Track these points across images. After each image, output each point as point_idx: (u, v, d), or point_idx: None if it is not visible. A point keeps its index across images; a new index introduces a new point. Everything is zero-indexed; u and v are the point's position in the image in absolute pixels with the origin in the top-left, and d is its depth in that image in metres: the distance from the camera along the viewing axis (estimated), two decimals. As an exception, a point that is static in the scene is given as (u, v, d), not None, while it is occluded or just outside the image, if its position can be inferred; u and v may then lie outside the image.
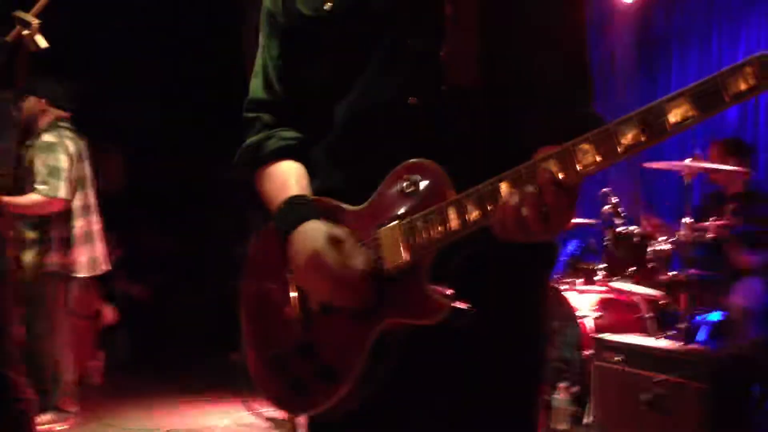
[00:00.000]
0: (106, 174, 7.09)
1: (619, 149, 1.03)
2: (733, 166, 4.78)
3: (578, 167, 1.06)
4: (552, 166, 1.08)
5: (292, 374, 1.36)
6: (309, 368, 1.33)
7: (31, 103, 4.30)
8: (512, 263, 1.30)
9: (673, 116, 0.99)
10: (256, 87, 1.53)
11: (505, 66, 1.32)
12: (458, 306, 1.18)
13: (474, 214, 1.15)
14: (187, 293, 7.49)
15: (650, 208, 4.96)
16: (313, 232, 1.28)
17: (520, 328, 1.38)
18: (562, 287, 4.65)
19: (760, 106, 5.54)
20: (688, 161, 4.10)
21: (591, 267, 4.76)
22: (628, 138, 1.02)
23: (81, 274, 4.30)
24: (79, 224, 4.31)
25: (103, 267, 4.45)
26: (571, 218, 1.14)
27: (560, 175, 1.07)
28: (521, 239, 1.12)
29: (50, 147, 4.19)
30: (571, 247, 5.41)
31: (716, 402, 3.26)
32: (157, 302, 7.28)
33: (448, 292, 1.19)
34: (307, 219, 1.31)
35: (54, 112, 4.35)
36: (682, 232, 4.12)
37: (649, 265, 4.33)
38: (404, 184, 1.25)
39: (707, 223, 4.24)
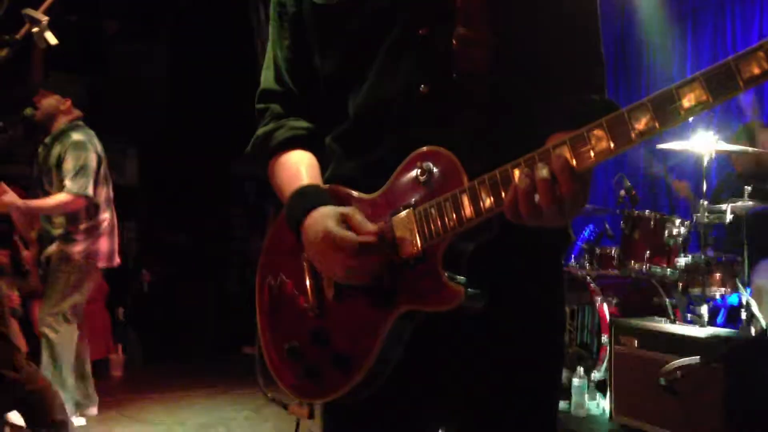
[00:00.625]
0: (120, 170, 7.17)
1: (632, 135, 1.02)
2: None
3: (591, 153, 1.06)
4: (565, 152, 1.07)
5: (308, 362, 1.36)
6: (324, 356, 1.33)
7: (51, 101, 4.34)
8: (525, 248, 1.30)
9: (687, 101, 0.98)
10: (267, 78, 1.53)
11: (517, 53, 1.30)
12: (473, 292, 1.18)
13: (488, 201, 1.14)
14: (202, 287, 7.54)
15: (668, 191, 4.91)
16: (324, 215, 1.28)
17: (535, 313, 1.37)
18: (579, 272, 4.63)
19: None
20: (703, 142, 4.06)
21: (608, 251, 4.74)
22: (641, 124, 1.02)
23: (102, 265, 4.35)
24: (105, 217, 4.38)
25: (117, 260, 4.49)
26: (585, 203, 1.14)
27: (573, 162, 1.07)
28: (534, 224, 1.11)
29: (81, 145, 4.25)
30: (588, 232, 5.40)
31: (735, 385, 3.23)
32: (172, 296, 7.33)
33: (463, 278, 1.19)
34: (318, 206, 1.31)
35: (75, 112, 4.39)
36: (699, 214, 4.10)
37: (666, 248, 4.30)
38: (417, 172, 1.24)
39: (725, 205, 4.20)
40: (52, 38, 2.42)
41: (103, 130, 4.54)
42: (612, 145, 1.04)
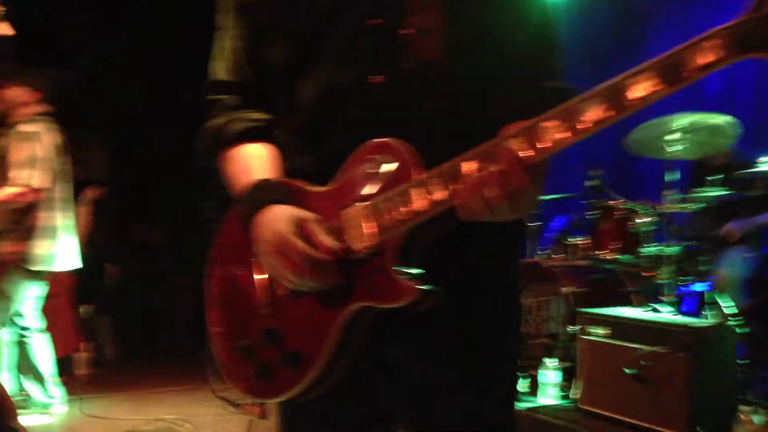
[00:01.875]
0: (90, 166, 7.05)
1: (582, 126, 1.00)
2: None
3: (542, 145, 1.03)
4: (515, 144, 1.05)
5: (260, 361, 1.33)
6: (276, 354, 1.30)
7: (14, 93, 4.22)
8: (480, 241, 1.28)
9: (638, 91, 0.96)
10: (218, 69, 1.49)
11: (471, 42, 1.29)
12: (426, 287, 1.16)
13: (438, 195, 1.12)
14: (173, 283, 7.46)
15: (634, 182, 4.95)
16: (277, 215, 1.25)
17: (491, 305, 1.36)
18: (548, 262, 4.64)
19: (736, 80, 5.53)
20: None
21: (576, 241, 4.76)
22: (592, 114, 0.99)
23: (34, 268, 4.16)
24: (54, 216, 4.24)
25: (64, 265, 4.35)
26: (539, 196, 1.12)
27: (524, 154, 1.04)
28: (486, 218, 1.09)
29: (27, 136, 4.12)
30: (557, 222, 5.41)
31: (699, 373, 3.26)
32: (143, 291, 7.24)
33: (416, 273, 1.17)
34: (272, 202, 1.28)
35: (38, 106, 4.28)
36: (664, 204, 4.13)
37: (633, 238, 4.33)
38: (369, 165, 1.22)
39: (689, 195, 4.23)
40: (7, 29, 2.36)
41: (70, 125, 4.44)
42: (563, 135, 1.01)
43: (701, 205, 4.25)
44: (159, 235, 7.73)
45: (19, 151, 4.06)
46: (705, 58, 0.92)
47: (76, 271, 4.69)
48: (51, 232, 4.21)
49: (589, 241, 4.50)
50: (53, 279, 4.39)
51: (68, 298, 5.93)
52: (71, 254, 4.36)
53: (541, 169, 1.08)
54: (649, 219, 4.30)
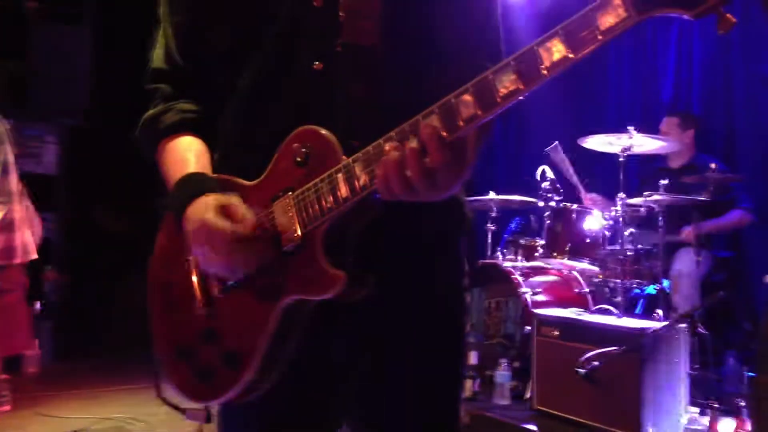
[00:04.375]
0: (38, 158, 6.88)
1: (498, 98, 0.99)
2: (691, 138, 4.92)
3: (460, 120, 1.02)
4: (434, 121, 1.03)
5: (199, 363, 1.30)
6: (214, 355, 1.28)
7: None
8: (414, 228, 1.26)
9: (548, 58, 0.95)
10: (157, 56, 1.45)
11: (407, 23, 1.28)
12: (356, 277, 1.14)
13: (362, 179, 1.10)
14: (125, 279, 7.33)
15: (587, 184, 5.02)
16: (203, 204, 1.22)
17: (429, 297, 1.34)
18: (503, 264, 4.68)
19: (693, 82, 5.64)
20: (621, 137, 4.16)
21: (532, 243, 4.81)
22: (506, 86, 0.98)
23: (16, 261, 4.13)
24: (12, 209, 4.15)
25: (23, 257, 4.25)
26: (463, 175, 1.08)
27: (442, 130, 1.03)
28: (408, 199, 1.07)
29: None
30: (513, 224, 5.47)
31: (650, 374, 3.32)
32: (96, 288, 7.10)
33: (345, 262, 1.15)
34: (196, 195, 1.25)
35: None
36: (616, 208, 4.20)
37: (587, 241, 4.39)
38: (295, 154, 1.20)
39: (641, 199, 4.31)
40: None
41: (20, 117, 4.33)
42: (479, 111, 1.00)
43: (653, 208, 4.33)
44: (119, 225, 7.58)
45: None
46: (608, 19, 0.91)
47: (27, 267, 4.58)
48: (9, 226, 4.14)
49: (544, 243, 4.55)
50: (7, 275, 4.28)
51: (21, 294, 5.78)
52: (28, 247, 4.27)
53: (463, 146, 1.06)
54: (603, 222, 4.36)
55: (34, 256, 4.31)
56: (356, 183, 1.11)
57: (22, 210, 4.24)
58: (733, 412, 3.49)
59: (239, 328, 1.25)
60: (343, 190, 1.12)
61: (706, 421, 3.50)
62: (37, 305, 6.32)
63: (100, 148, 7.23)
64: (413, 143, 1.04)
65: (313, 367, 1.29)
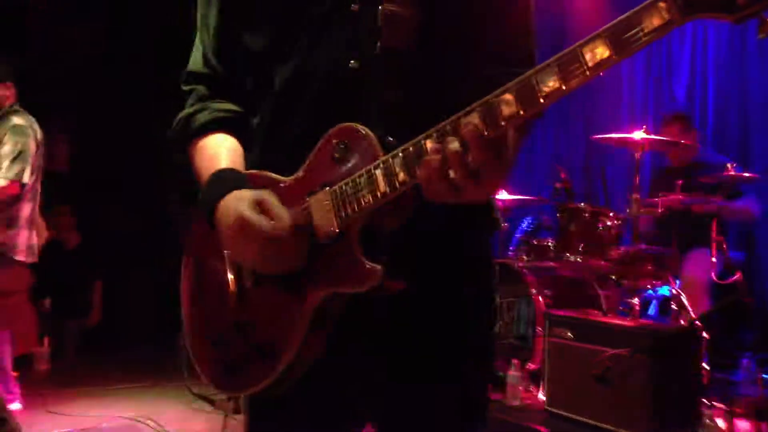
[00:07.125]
0: (53, 157, 6.92)
1: (540, 98, 0.99)
2: (693, 139, 4.87)
3: (501, 119, 1.02)
4: (475, 119, 1.03)
5: (231, 354, 1.32)
6: (247, 347, 1.29)
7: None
8: (446, 227, 1.27)
9: (591, 59, 0.96)
10: (194, 59, 1.48)
11: (444, 29, 1.28)
12: (391, 272, 1.15)
13: (401, 176, 1.10)
14: (135, 277, 7.35)
15: (603, 184, 4.99)
16: (237, 200, 1.24)
17: (459, 296, 1.34)
18: (516, 264, 4.66)
19: (708, 80, 5.60)
20: (637, 134, 4.12)
21: (544, 243, 4.78)
22: (549, 86, 0.99)
23: (21, 258, 4.16)
24: (27, 208, 4.18)
25: (28, 256, 4.28)
26: (505, 175, 1.09)
27: (484, 128, 1.03)
28: (453, 200, 1.07)
29: (21, 131, 4.07)
30: (525, 224, 5.44)
31: (662, 376, 3.29)
32: (107, 287, 7.12)
33: (381, 257, 1.15)
34: (231, 189, 1.26)
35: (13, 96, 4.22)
36: (631, 208, 4.16)
37: (601, 241, 4.36)
38: (333, 150, 1.21)
39: (656, 199, 4.27)
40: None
41: (30, 114, 4.35)
42: (521, 109, 1.00)
43: (667, 209, 4.30)
44: (121, 227, 7.60)
45: (13, 145, 4.02)
46: (653, 22, 0.91)
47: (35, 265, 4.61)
48: (33, 223, 4.21)
49: (557, 243, 4.52)
50: (15, 273, 4.30)
51: (29, 292, 5.81)
52: (34, 248, 4.30)
53: (505, 144, 1.06)
54: (616, 222, 4.33)
55: (35, 259, 4.33)
56: (395, 180, 1.11)
57: (30, 210, 4.26)
58: (748, 415, 3.46)
59: (272, 320, 1.26)
60: (382, 186, 1.12)
61: (721, 423, 3.47)
62: (47, 302, 6.35)
63: (107, 148, 7.26)
64: (454, 143, 1.03)
65: (340, 364, 1.29)
